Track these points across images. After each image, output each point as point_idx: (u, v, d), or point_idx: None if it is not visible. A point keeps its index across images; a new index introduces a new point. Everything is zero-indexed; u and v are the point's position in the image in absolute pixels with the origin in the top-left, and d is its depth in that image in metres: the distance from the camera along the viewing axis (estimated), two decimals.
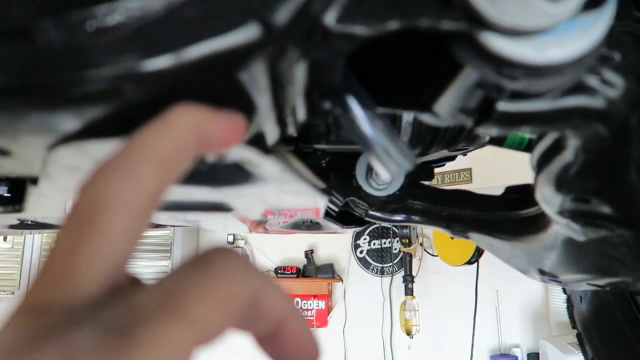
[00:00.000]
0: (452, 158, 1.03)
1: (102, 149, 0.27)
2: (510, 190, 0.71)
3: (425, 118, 0.41)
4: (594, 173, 0.40)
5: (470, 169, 2.51)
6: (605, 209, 0.45)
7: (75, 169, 0.31)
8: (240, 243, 3.05)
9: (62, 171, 0.31)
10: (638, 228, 0.45)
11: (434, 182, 2.76)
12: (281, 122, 0.36)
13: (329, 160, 0.80)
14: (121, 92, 0.23)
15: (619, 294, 0.97)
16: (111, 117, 0.24)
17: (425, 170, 0.95)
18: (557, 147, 0.40)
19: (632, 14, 0.54)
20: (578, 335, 1.08)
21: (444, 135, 0.62)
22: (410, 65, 0.38)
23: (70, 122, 0.24)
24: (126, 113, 0.24)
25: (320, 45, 0.28)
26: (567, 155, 0.39)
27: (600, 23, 0.27)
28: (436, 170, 1.04)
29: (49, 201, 0.43)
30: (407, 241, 2.90)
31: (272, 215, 0.77)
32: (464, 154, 1.16)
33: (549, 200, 0.47)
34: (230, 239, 3.01)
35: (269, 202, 0.42)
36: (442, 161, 1.04)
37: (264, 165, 0.32)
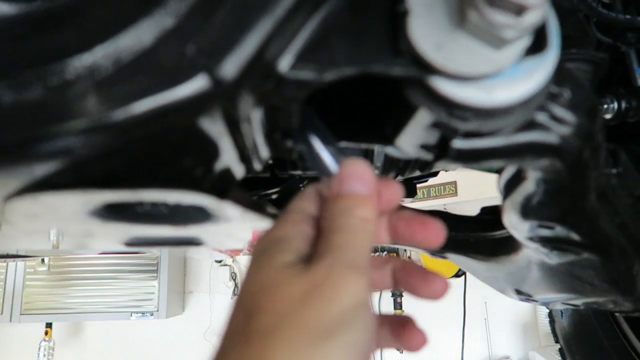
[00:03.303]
0: (435, 174, 1.04)
1: (58, 199, 0.27)
2: (485, 210, 0.72)
3: (390, 151, 0.41)
4: (556, 202, 0.41)
5: (455, 182, 2.53)
6: (571, 235, 0.46)
7: (35, 216, 0.31)
8: (228, 261, 3.03)
9: (22, 218, 0.31)
10: (602, 252, 0.46)
11: (419, 196, 2.76)
12: (245, 160, 0.36)
13: (307, 184, 0.80)
14: (72, 149, 0.23)
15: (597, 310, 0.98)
16: (63, 170, 0.25)
17: (407, 187, 0.96)
18: (518, 178, 0.41)
19: (593, 39, 0.56)
20: (560, 350, 1.09)
21: (416, 161, 0.63)
22: (374, 102, 0.39)
23: (22, 177, 0.24)
24: (79, 166, 0.25)
25: (275, 91, 0.28)
26: (529, 185, 0.40)
27: (544, 66, 0.28)
28: (421, 184, 1.04)
29: (18, 241, 0.43)
30: (395, 255, 2.90)
31: None
32: (446, 170, 1.17)
33: (515, 226, 0.47)
34: (219, 257, 2.99)
35: (238, 236, 0.42)
36: (424, 177, 1.05)
37: (223, 209, 0.32)
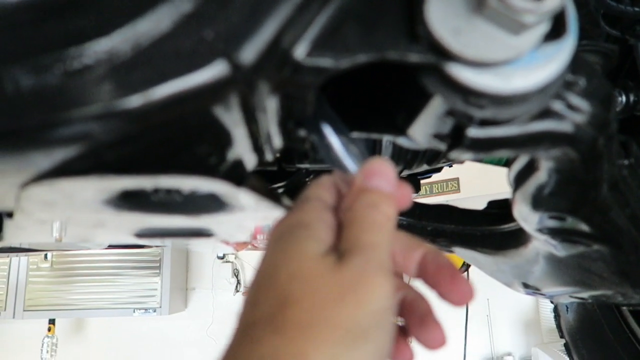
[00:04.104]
0: (439, 169, 1.04)
1: (75, 186, 0.27)
2: (492, 204, 0.72)
3: (402, 141, 0.41)
4: (568, 193, 0.41)
5: (457, 179, 2.52)
6: (582, 226, 0.45)
7: (50, 204, 0.31)
8: (231, 257, 3.03)
9: (37, 206, 0.31)
10: (613, 243, 0.46)
11: (422, 192, 2.76)
12: (258, 149, 0.36)
13: (313, 178, 0.80)
14: (90, 134, 0.23)
15: (603, 304, 0.98)
16: (81, 156, 0.24)
17: (411, 182, 0.96)
18: (530, 168, 0.41)
19: (603, 31, 0.55)
20: (565, 345, 1.09)
21: (424, 153, 0.62)
22: (386, 91, 0.39)
23: (40, 163, 0.24)
24: (96, 152, 0.25)
25: (291, 79, 0.28)
26: (541, 175, 0.40)
27: (562, 52, 0.28)
28: (424, 180, 1.05)
29: (29, 232, 0.43)
30: None
31: (263, 235, 0.77)
32: (450, 166, 1.17)
33: (526, 217, 0.47)
34: (221, 254, 2.99)
35: (248, 227, 0.42)
36: (428, 173, 1.05)
37: (239, 197, 0.32)
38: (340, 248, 0.27)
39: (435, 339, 0.31)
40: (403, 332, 0.33)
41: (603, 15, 0.65)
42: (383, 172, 0.30)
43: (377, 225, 0.28)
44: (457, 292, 0.29)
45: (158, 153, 0.27)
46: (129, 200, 0.31)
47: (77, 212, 0.34)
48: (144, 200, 0.31)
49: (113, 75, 0.23)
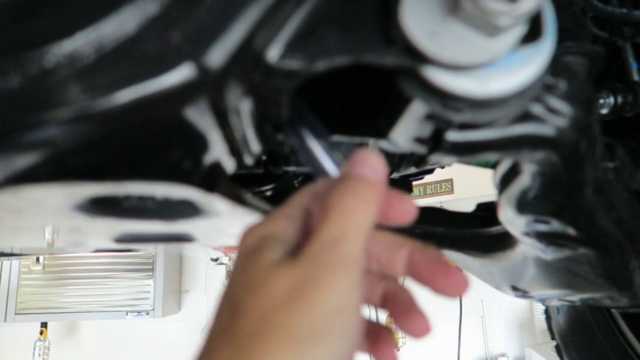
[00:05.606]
0: (431, 171, 1.03)
1: (40, 192, 0.26)
2: (481, 206, 0.72)
3: (384, 145, 0.41)
4: (552, 196, 0.40)
5: (451, 180, 2.52)
6: (567, 230, 0.45)
7: (18, 211, 0.30)
8: (224, 260, 3.02)
9: (5, 212, 0.30)
10: (598, 247, 0.46)
11: (415, 194, 2.75)
12: (235, 154, 0.35)
13: (301, 180, 0.79)
14: (53, 140, 0.22)
15: (593, 306, 0.98)
16: (44, 162, 0.24)
17: (403, 184, 0.95)
18: (514, 171, 0.40)
19: (589, 33, 0.55)
20: (557, 347, 1.08)
21: (411, 156, 0.62)
22: (367, 95, 0.39)
23: (1, 169, 0.24)
24: (60, 158, 0.24)
25: (264, 82, 0.27)
26: (525, 179, 0.39)
27: (540, 55, 0.28)
28: (417, 182, 1.04)
29: (3, 238, 0.42)
30: None
31: None
32: (442, 167, 1.16)
33: (511, 221, 0.47)
34: (215, 256, 2.98)
35: (229, 232, 0.41)
36: (420, 174, 1.05)
37: (212, 203, 0.31)
38: (300, 246, 0.25)
39: (419, 328, 0.29)
40: (385, 334, 0.32)
41: (591, 17, 0.65)
42: (368, 161, 0.28)
43: (346, 210, 0.25)
44: (452, 284, 0.28)
45: (126, 158, 0.26)
46: (101, 206, 0.30)
47: (48, 218, 0.33)
48: (117, 206, 0.31)
49: (76, 78, 0.22)
